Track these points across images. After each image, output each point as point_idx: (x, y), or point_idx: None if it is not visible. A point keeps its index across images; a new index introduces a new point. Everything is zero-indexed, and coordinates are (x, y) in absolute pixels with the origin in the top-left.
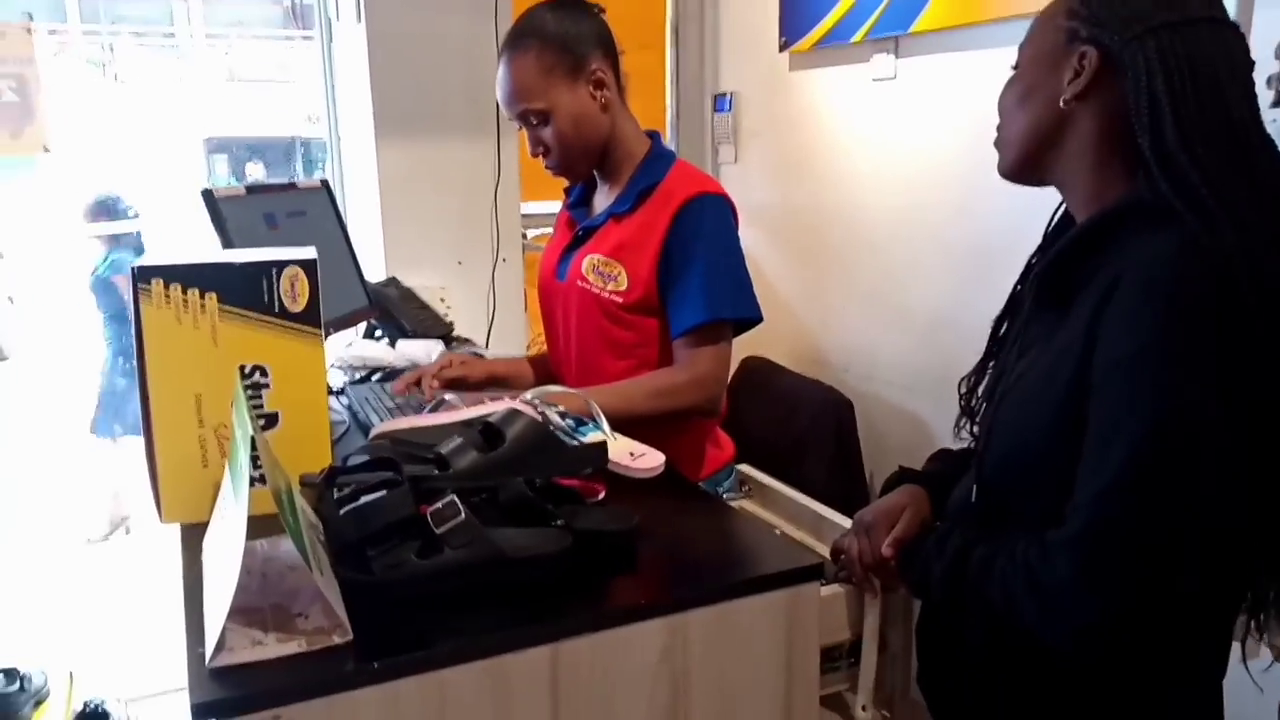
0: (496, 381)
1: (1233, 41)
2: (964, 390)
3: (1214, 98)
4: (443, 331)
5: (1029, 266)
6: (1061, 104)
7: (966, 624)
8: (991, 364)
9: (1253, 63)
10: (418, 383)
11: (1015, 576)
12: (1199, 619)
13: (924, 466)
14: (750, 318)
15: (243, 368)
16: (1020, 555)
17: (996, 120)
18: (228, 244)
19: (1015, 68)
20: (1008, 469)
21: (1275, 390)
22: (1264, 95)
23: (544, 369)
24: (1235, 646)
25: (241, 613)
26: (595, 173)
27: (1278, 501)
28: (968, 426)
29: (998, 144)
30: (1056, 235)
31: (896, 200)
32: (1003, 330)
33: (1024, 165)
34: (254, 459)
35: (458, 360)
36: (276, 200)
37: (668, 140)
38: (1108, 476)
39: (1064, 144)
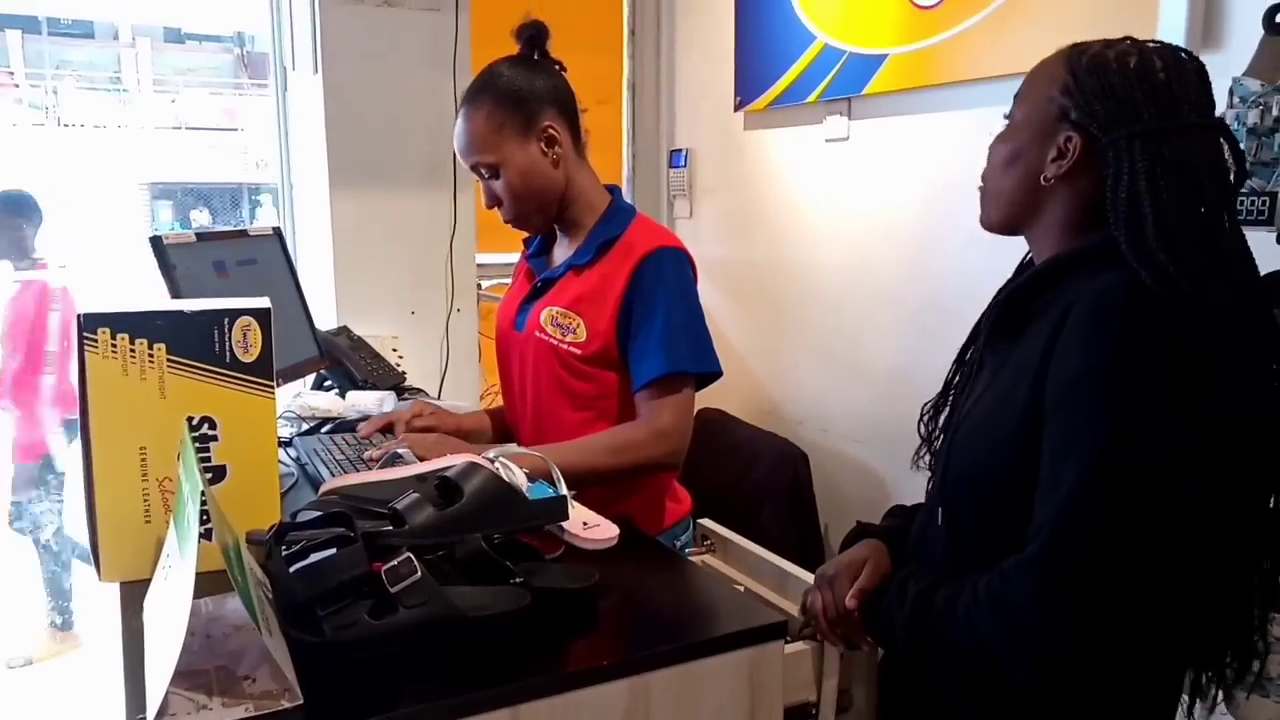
0: (463, 434)
1: (1218, 145)
2: (925, 418)
3: (1193, 199)
4: (394, 382)
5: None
6: (1042, 180)
7: (933, 672)
8: (951, 394)
9: (1232, 163)
10: (387, 428)
11: (978, 606)
12: (1159, 649)
13: (881, 522)
14: (711, 372)
15: (191, 419)
16: (982, 587)
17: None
18: (175, 292)
19: (1008, 116)
20: (968, 493)
21: (1226, 415)
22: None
23: (501, 422)
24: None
25: (185, 676)
26: (555, 224)
27: (1245, 531)
28: (927, 457)
29: (983, 193)
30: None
31: (849, 258)
32: (967, 356)
33: (1004, 226)
34: (203, 514)
35: (428, 410)
36: (227, 248)
37: (624, 194)
38: (1063, 494)
39: (1040, 214)
